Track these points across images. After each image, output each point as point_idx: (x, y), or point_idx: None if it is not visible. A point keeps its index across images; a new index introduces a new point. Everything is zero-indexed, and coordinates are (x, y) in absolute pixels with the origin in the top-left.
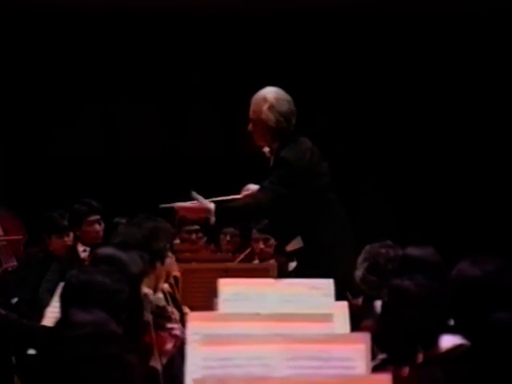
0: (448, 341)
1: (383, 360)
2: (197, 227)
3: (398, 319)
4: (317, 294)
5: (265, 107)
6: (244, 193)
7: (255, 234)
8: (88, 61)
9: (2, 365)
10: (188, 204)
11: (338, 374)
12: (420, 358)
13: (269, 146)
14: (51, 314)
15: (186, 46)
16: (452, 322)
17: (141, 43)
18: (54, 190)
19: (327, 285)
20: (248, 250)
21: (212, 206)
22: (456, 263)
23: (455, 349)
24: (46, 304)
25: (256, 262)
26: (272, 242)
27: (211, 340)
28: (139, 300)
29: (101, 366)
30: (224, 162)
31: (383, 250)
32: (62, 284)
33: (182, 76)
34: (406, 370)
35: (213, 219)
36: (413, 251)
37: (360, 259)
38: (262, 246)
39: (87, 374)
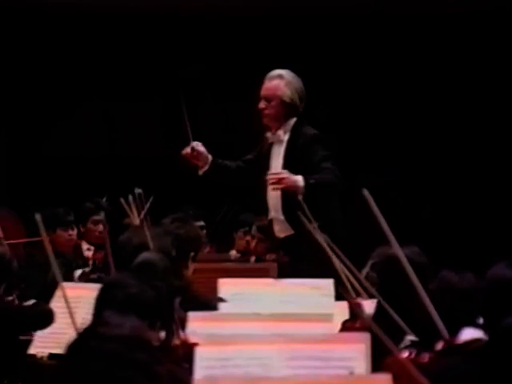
0: (468, 333)
1: (413, 342)
2: (202, 224)
3: (438, 306)
4: (317, 294)
5: (282, 83)
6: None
7: (254, 231)
8: (88, 60)
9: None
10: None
11: (337, 374)
12: (439, 346)
13: (278, 126)
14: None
15: (186, 44)
16: (481, 321)
17: (141, 42)
18: (54, 190)
19: (327, 285)
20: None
21: (300, 179)
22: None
23: (472, 342)
24: None
25: (253, 258)
26: (266, 244)
27: (211, 340)
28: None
29: (129, 369)
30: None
31: (391, 251)
32: (63, 284)
33: (183, 74)
34: (425, 357)
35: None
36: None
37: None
38: (254, 244)
39: (114, 375)
